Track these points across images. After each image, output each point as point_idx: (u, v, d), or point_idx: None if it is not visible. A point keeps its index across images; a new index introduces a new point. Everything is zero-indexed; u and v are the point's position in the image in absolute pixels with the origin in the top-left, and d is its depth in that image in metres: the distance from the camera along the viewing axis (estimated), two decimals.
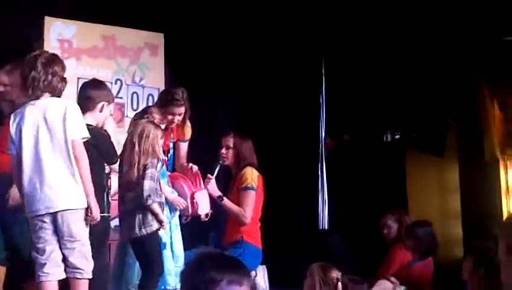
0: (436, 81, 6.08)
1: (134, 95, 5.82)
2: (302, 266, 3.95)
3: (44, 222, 3.51)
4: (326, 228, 6.16)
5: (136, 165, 4.07)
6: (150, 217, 4.07)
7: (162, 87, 5.86)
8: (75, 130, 3.57)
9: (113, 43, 5.80)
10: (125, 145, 4.23)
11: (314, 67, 6.32)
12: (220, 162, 4.97)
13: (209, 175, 4.84)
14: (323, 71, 6.31)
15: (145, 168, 4.06)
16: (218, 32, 6.14)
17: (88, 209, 3.57)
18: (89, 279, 3.57)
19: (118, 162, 4.17)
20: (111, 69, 5.72)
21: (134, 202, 4.08)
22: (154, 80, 5.91)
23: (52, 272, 3.52)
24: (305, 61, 6.28)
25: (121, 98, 5.72)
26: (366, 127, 6.41)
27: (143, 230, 4.06)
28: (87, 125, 3.74)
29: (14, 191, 3.95)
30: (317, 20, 6.09)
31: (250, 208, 4.87)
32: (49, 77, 3.59)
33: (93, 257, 3.62)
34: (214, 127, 5.83)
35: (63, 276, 3.55)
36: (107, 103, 4.06)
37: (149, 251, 4.10)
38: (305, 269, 3.84)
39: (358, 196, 6.15)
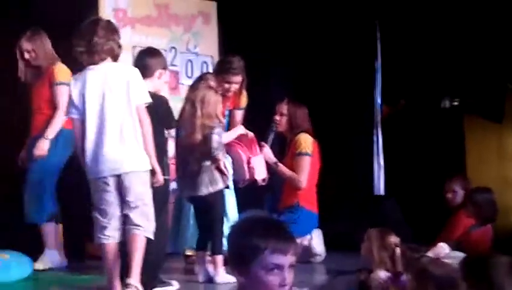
0: (495, 46, 5.90)
1: (189, 63, 5.86)
2: (358, 230, 3.92)
3: (108, 184, 3.55)
4: (382, 193, 6.11)
5: (200, 128, 4.12)
6: (216, 175, 4.13)
7: (216, 55, 5.89)
8: (138, 95, 3.61)
9: (166, 12, 5.84)
10: (183, 111, 4.28)
11: (369, 32, 6.21)
12: (273, 129, 5.00)
13: (263, 143, 4.86)
14: (378, 36, 6.20)
15: (210, 129, 4.11)
16: None
17: (152, 172, 3.62)
18: (148, 239, 3.60)
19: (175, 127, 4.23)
20: (166, 37, 5.77)
21: (200, 162, 4.14)
22: (208, 47, 5.95)
23: (113, 235, 3.56)
24: (359, 26, 6.18)
25: (176, 65, 5.77)
26: (422, 93, 6.28)
27: (210, 188, 4.12)
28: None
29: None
30: None
31: (305, 173, 4.93)
32: (110, 42, 3.64)
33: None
34: (268, 94, 5.81)
35: (120, 239, 3.58)
36: (163, 70, 4.11)
37: (214, 210, 4.15)
38: (363, 233, 3.81)
39: (415, 162, 6.06)
